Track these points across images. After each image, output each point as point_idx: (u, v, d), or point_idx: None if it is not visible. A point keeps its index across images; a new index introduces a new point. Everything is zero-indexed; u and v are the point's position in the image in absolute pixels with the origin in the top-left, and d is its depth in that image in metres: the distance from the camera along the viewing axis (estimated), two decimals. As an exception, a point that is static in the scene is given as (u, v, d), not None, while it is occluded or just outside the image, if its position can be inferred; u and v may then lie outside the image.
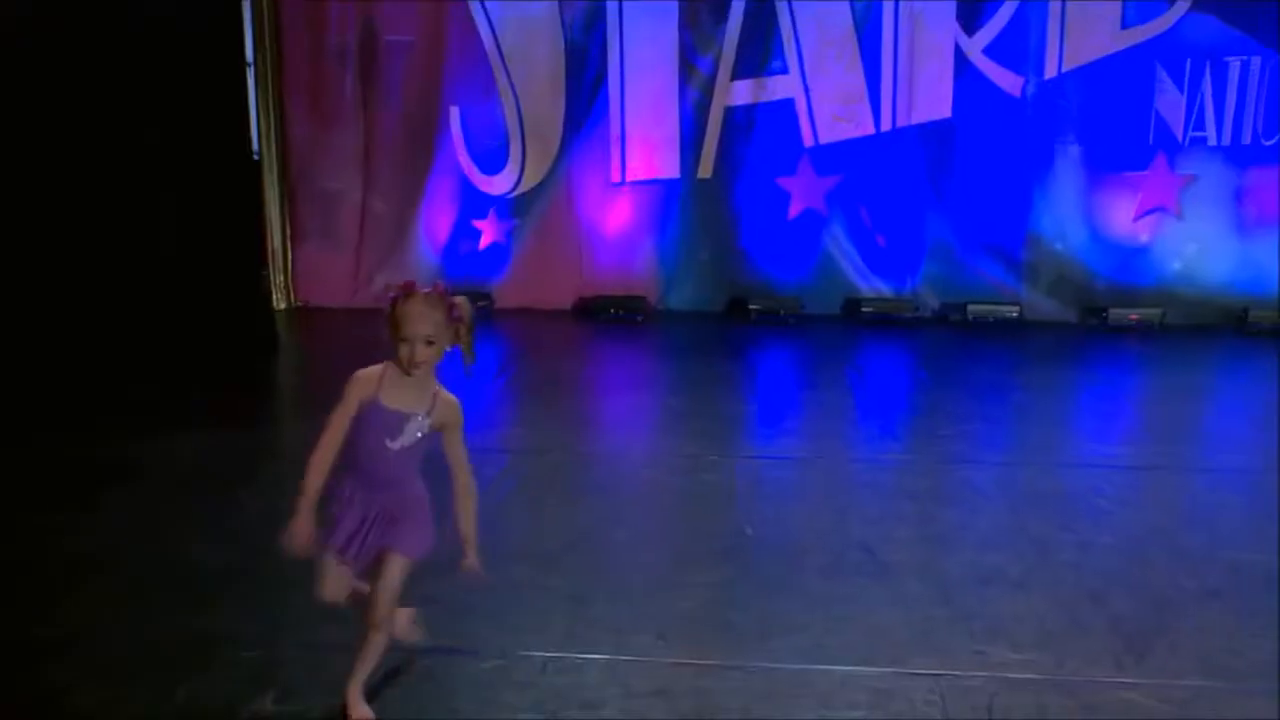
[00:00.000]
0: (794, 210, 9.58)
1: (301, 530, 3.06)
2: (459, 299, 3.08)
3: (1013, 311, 9.38)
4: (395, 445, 3.04)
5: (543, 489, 5.25)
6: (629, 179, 9.68)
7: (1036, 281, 9.48)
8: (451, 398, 3.13)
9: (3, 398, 6.45)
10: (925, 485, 5.26)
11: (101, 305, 7.15)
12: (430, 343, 2.99)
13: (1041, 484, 5.31)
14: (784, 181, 9.53)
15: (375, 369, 3.07)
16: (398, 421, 3.03)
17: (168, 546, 4.49)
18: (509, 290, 9.85)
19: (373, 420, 3.04)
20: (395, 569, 3.12)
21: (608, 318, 9.57)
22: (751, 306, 9.51)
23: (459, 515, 3.18)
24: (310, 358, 8.70)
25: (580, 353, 8.80)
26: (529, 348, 9.05)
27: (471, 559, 3.18)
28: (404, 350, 2.98)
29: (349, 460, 3.10)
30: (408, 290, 3.01)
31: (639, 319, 9.54)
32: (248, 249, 8.71)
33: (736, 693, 3.38)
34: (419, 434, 3.06)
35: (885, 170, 9.42)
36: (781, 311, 9.49)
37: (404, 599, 3.26)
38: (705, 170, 9.58)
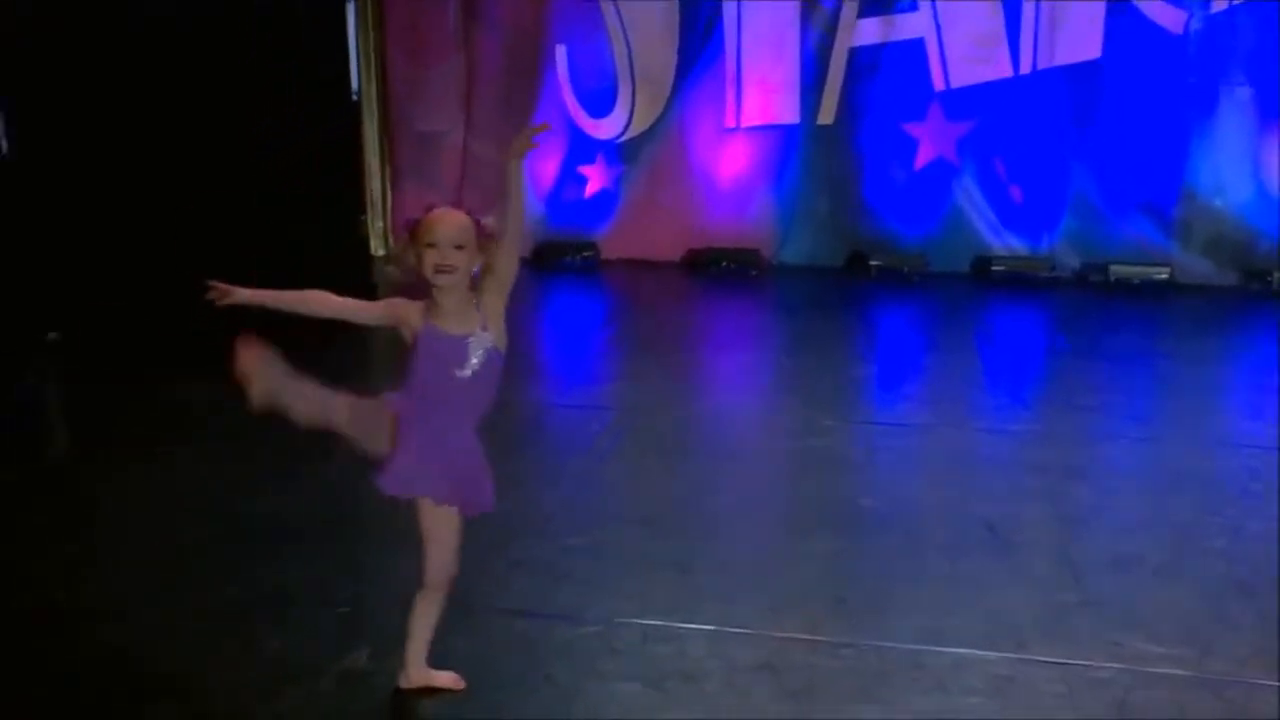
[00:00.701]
0: (922, 159, 9.34)
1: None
2: (488, 219, 2.97)
3: (1161, 273, 9.02)
4: (465, 372, 2.94)
5: (647, 449, 5.25)
6: (744, 124, 9.56)
7: (1190, 241, 9.08)
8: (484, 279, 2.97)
9: (102, 339, 6.72)
10: (1056, 460, 5.09)
11: (201, 251, 7.34)
12: (459, 247, 2.87)
13: (1187, 464, 5.10)
14: (912, 128, 9.29)
15: (412, 303, 2.97)
16: (462, 347, 2.93)
17: (256, 496, 4.62)
18: (615, 240, 9.85)
19: (433, 350, 2.93)
20: (450, 529, 3.05)
21: (719, 271, 9.51)
22: (872, 262, 9.34)
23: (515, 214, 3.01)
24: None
25: (689, 307, 8.77)
26: (635, 301, 9.06)
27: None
28: (432, 256, 2.86)
29: (414, 397, 3.00)
30: (429, 207, 2.95)
31: (752, 273, 9.46)
32: (347, 194, 8.88)
33: (848, 672, 3.34)
34: (484, 352, 2.94)
35: (1024, 116, 9.10)
36: (905, 269, 9.30)
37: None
38: (826, 115, 9.40)
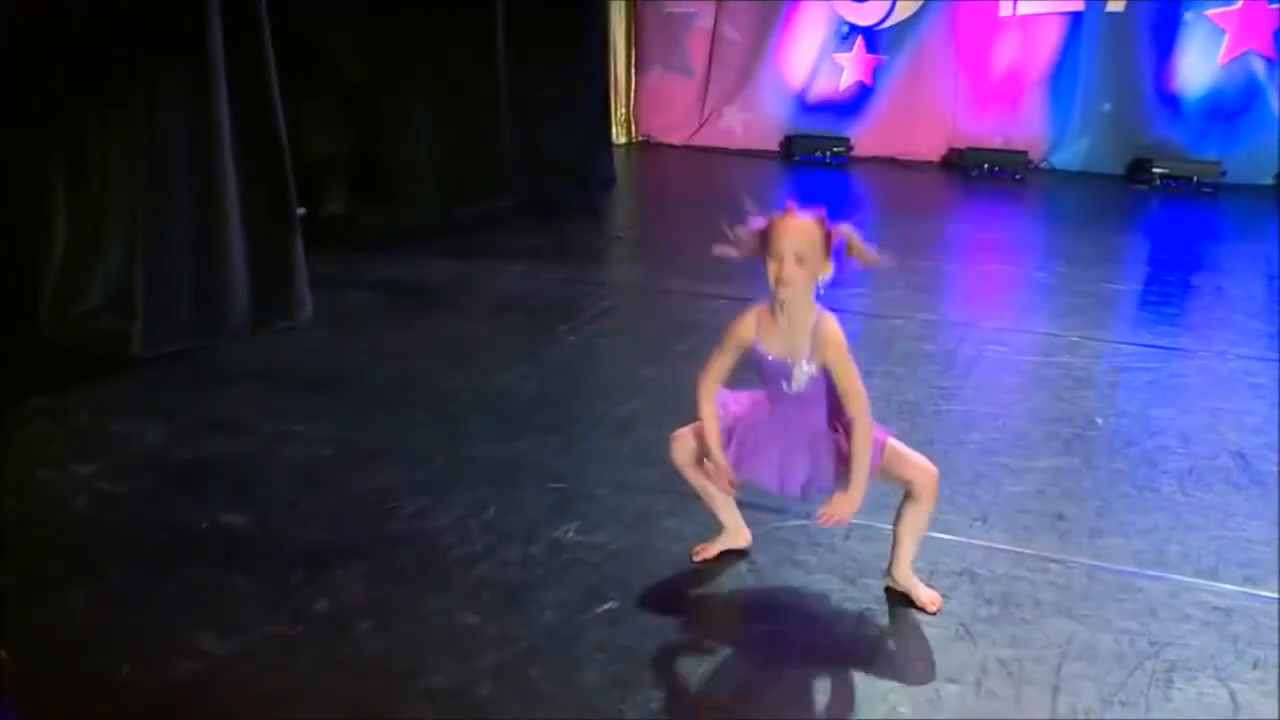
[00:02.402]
0: (1229, 53, 8.90)
1: (720, 467, 3.32)
2: (842, 225, 3.12)
3: None
4: (791, 390, 3.21)
5: (880, 353, 5.45)
6: (1021, 10, 9.35)
7: None
8: (834, 331, 3.14)
9: (348, 216, 7.43)
10: (1334, 394, 4.99)
11: (445, 126, 7.90)
12: (800, 260, 3.03)
13: None
14: (1218, 16, 8.84)
15: (751, 313, 3.24)
16: (783, 368, 3.19)
17: (484, 374, 5.14)
18: (871, 136, 9.94)
19: (762, 366, 3.24)
20: (891, 452, 3.26)
21: (980, 174, 9.43)
22: (1156, 170, 9.05)
23: (851, 455, 3.19)
24: (646, 197, 9.24)
25: (944, 211, 8.80)
26: (888, 201, 9.16)
27: (841, 509, 3.20)
28: (773, 268, 3.05)
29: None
30: (786, 212, 3.12)
31: (1016, 177, 9.36)
32: (592, 78, 9.25)
33: (1050, 587, 3.50)
34: (808, 379, 3.17)
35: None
36: (1195, 178, 8.98)
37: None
38: (1117, 2, 9.07)
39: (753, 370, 3.30)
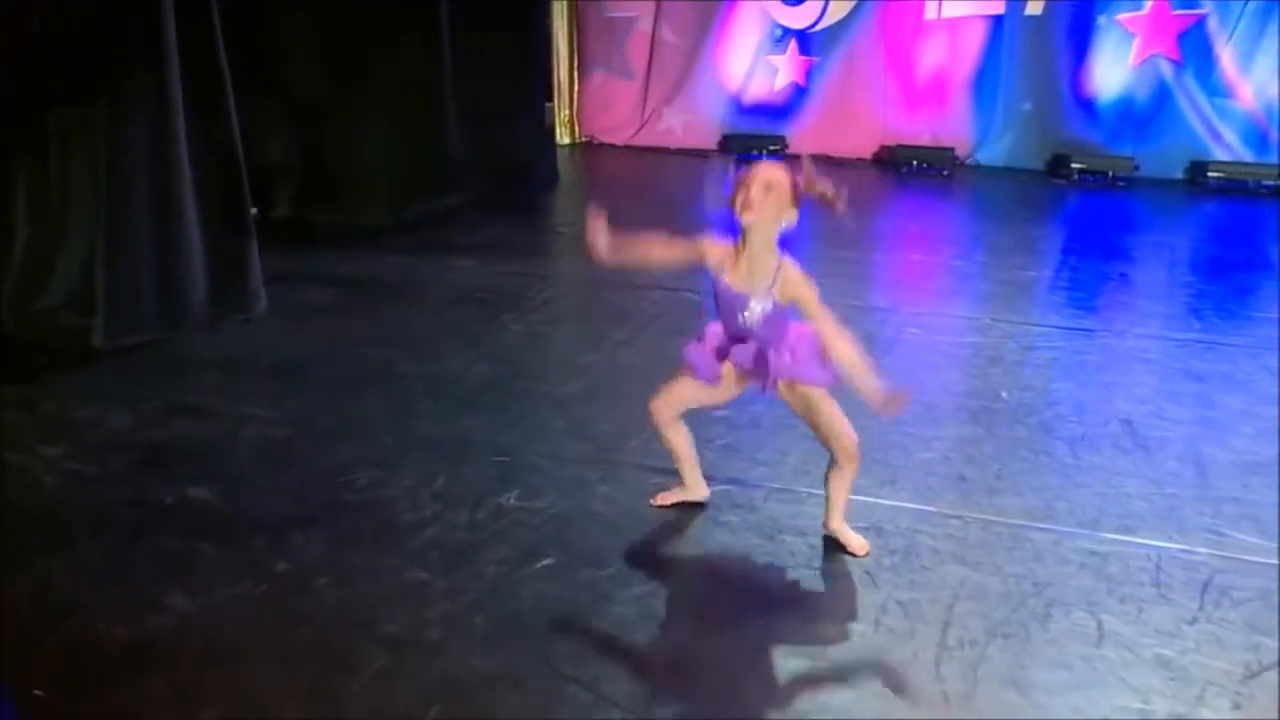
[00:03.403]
0: (1138, 55, 9.35)
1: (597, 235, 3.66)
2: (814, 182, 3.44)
3: None
4: (746, 322, 3.52)
5: (800, 338, 5.80)
6: (945, 14, 9.74)
7: None
8: (796, 272, 3.44)
9: (302, 215, 7.67)
10: (1216, 369, 5.38)
11: (392, 129, 8.14)
12: (767, 189, 3.32)
13: (1365, 379, 5.29)
14: (1128, 20, 9.30)
15: (718, 245, 3.51)
16: (741, 300, 3.49)
17: (437, 359, 5.42)
18: (805, 135, 10.26)
19: (722, 295, 3.54)
20: (827, 404, 3.59)
21: (910, 171, 9.80)
22: (1075, 165, 9.47)
23: (844, 366, 3.47)
24: (589, 195, 9.53)
25: (873, 205, 9.13)
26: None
27: (884, 399, 3.45)
28: (740, 196, 3.33)
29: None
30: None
31: (944, 173, 9.73)
32: (536, 81, 9.52)
33: (948, 539, 3.85)
34: (763, 313, 3.48)
35: (1261, 7, 8.96)
36: (1111, 173, 9.40)
37: (643, 427, 3.92)
38: (1035, 5, 9.49)
39: (712, 301, 3.59)
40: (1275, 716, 2.99)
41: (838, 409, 3.65)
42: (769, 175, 3.39)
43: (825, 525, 3.80)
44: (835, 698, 3.06)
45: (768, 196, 3.36)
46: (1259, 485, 4.25)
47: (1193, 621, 3.40)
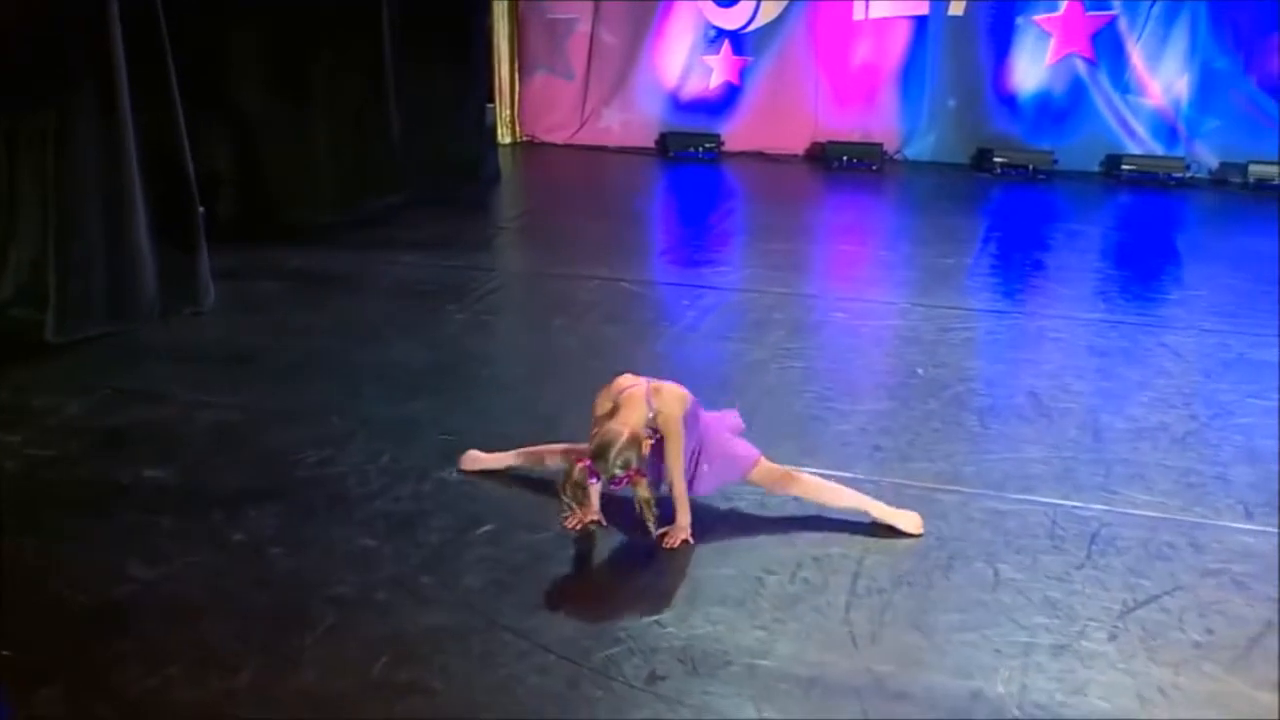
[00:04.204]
0: (1055, 54, 9.72)
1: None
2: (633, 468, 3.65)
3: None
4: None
5: (736, 321, 6.09)
6: (872, 15, 10.05)
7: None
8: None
9: (252, 214, 7.82)
10: (1119, 345, 5.73)
11: (338, 130, 8.32)
12: (629, 467, 3.59)
13: (1255, 354, 5.64)
14: (1044, 20, 9.67)
15: (604, 397, 3.76)
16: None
17: (384, 347, 5.63)
18: (740, 132, 10.54)
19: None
20: (798, 487, 3.97)
21: (840, 166, 10.10)
22: (997, 159, 9.80)
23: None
24: (530, 192, 9.78)
25: (806, 200, 9.46)
26: (756, 192, 9.81)
27: (675, 535, 3.79)
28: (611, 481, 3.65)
29: None
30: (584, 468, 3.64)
31: (874, 168, 10.04)
32: (478, 82, 9.70)
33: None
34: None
35: (1167, 9, 9.36)
36: (1031, 166, 9.75)
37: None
38: (957, 7, 9.84)
39: None
40: (1147, 647, 3.29)
41: (812, 483, 3.99)
42: (622, 460, 3.59)
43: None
44: (750, 638, 3.32)
45: (633, 467, 3.62)
46: (1147, 448, 4.58)
47: (1080, 567, 3.71)
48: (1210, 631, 3.37)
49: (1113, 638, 3.34)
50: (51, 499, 4.14)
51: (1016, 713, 3.02)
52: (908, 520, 3.94)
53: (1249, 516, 4.05)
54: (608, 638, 3.33)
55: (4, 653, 3.21)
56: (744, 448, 3.97)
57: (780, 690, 3.11)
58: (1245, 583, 3.62)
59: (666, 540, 3.80)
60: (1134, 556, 3.77)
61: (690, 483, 3.84)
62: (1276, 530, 3.94)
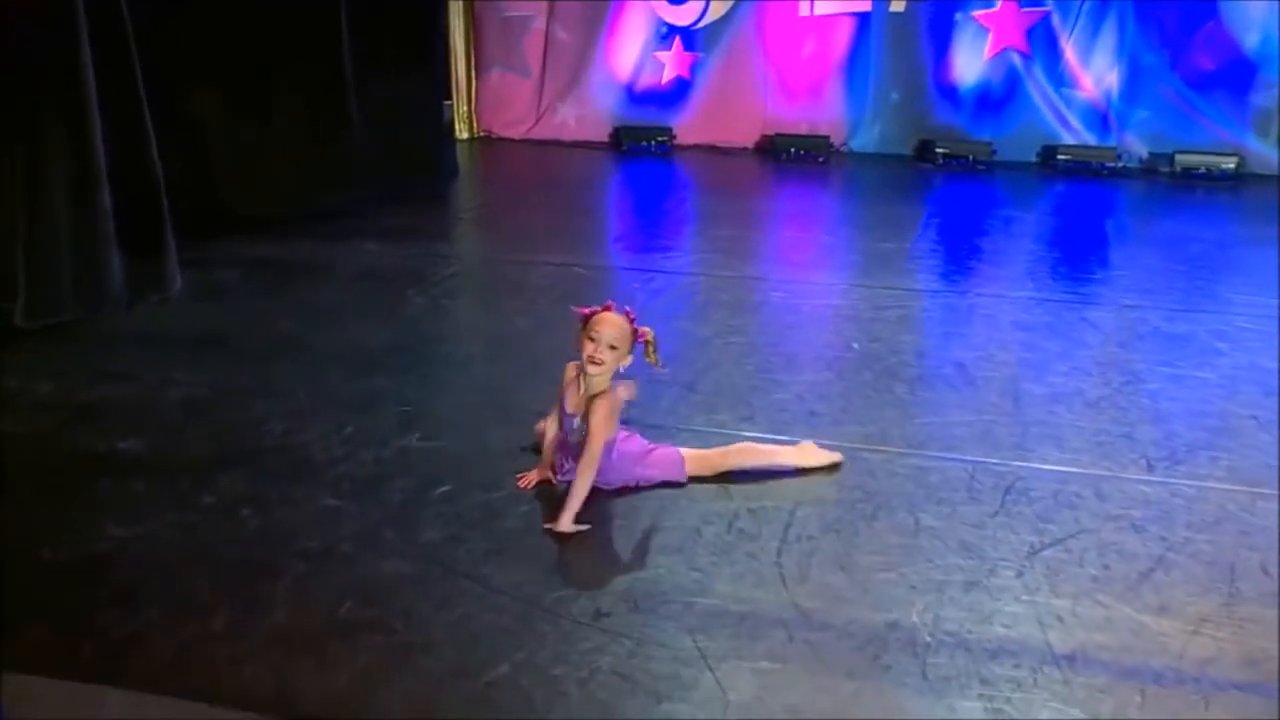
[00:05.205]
0: (992, 49, 10.09)
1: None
2: (645, 328, 4.01)
3: (1229, 163, 9.66)
4: (572, 438, 4.06)
5: (682, 302, 6.38)
6: (817, 11, 10.38)
7: (1265, 131, 9.69)
8: (602, 403, 3.91)
9: (213, 206, 8.01)
10: (1043, 321, 6.06)
11: (299, 126, 8.52)
12: (613, 348, 3.87)
13: (1168, 328, 5.99)
14: (982, 16, 10.04)
15: (573, 366, 4.03)
16: (570, 420, 4.07)
17: (345, 329, 5.86)
18: (692, 126, 10.85)
19: (561, 412, 4.11)
20: (735, 457, 4.24)
21: (789, 158, 10.42)
22: (939, 150, 10.16)
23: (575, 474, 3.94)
24: (488, 185, 10.03)
25: (756, 190, 9.77)
26: (707, 183, 10.11)
27: (562, 522, 3.85)
28: (588, 348, 3.88)
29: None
30: (606, 307, 3.99)
31: (821, 160, 10.37)
32: (435, 79, 9.91)
33: (792, 461, 4.43)
34: (580, 434, 4.00)
35: (1096, 6, 9.75)
36: (971, 157, 10.11)
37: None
38: (898, 3, 10.19)
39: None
40: (1049, 582, 3.59)
41: (735, 450, 4.27)
42: (614, 335, 3.91)
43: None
44: (688, 580, 3.59)
45: (611, 355, 3.92)
46: (1062, 411, 4.90)
47: (994, 515, 4.01)
48: (1107, 567, 3.68)
49: (1019, 575, 3.64)
50: (29, 468, 4.34)
51: (929, 639, 3.31)
52: (827, 456, 4.29)
53: (1150, 470, 4.37)
54: (556, 583, 3.59)
55: (-6, 600, 3.44)
56: (668, 448, 4.24)
57: (714, 623, 3.39)
58: (1143, 526, 3.94)
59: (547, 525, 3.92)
60: (1043, 505, 4.08)
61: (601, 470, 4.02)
62: (1174, 481, 4.27)
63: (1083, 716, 2.99)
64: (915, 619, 3.41)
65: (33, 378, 5.19)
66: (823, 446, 4.42)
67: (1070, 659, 3.22)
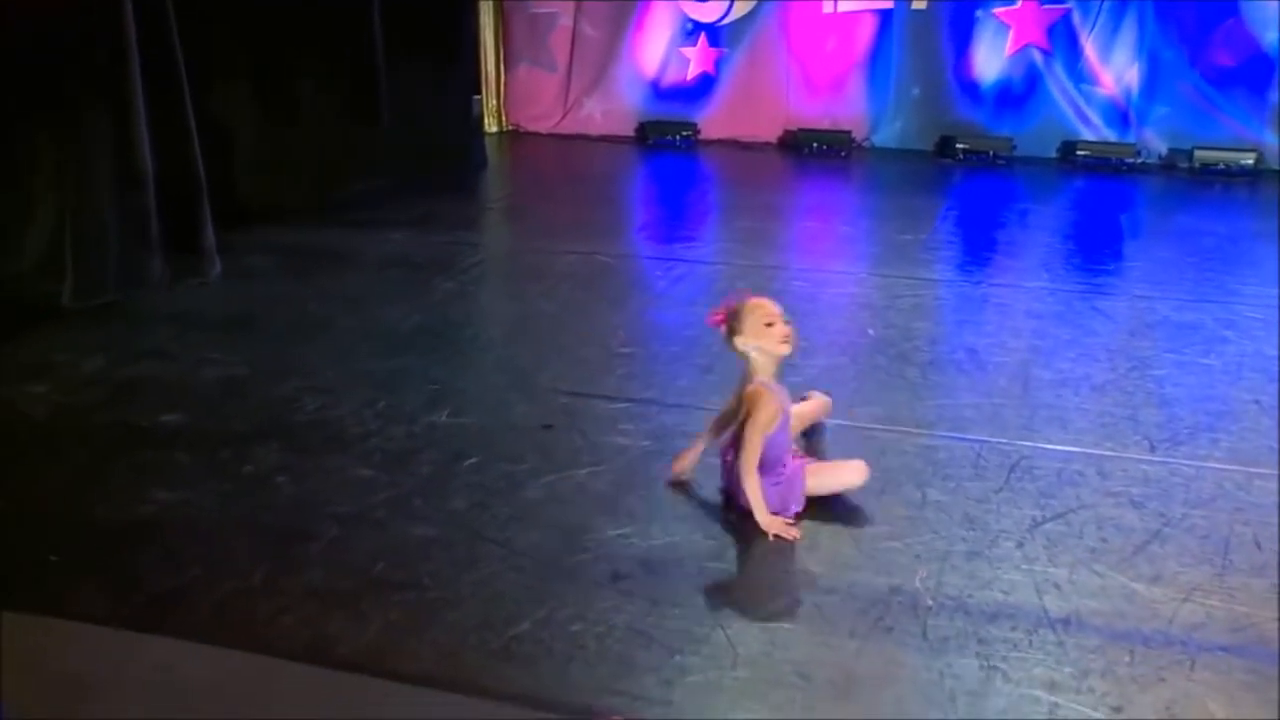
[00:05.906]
0: (1013, 45, 10.20)
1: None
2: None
3: (1247, 158, 9.73)
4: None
5: (699, 290, 6.53)
6: (841, 9, 10.52)
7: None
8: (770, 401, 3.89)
9: (250, 196, 8.23)
10: (1054, 310, 6.19)
11: (332, 120, 8.73)
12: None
13: (1177, 317, 6.11)
14: (1003, 13, 10.15)
15: (768, 392, 3.92)
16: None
17: (372, 313, 6.06)
18: (715, 121, 11.01)
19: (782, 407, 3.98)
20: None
21: (811, 153, 10.56)
22: (959, 146, 10.27)
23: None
24: (515, 177, 10.22)
25: (774, 183, 9.92)
26: (730, 177, 10.27)
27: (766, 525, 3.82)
28: (780, 328, 3.94)
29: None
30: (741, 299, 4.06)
31: (842, 154, 10.50)
32: (466, 73, 10.13)
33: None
34: None
35: (1116, 3, 9.85)
36: (991, 152, 10.22)
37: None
38: (920, 1, 10.29)
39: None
40: (1048, 552, 3.74)
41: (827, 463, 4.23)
42: (780, 309, 4.00)
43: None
44: (703, 547, 3.76)
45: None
46: (1069, 395, 5.04)
47: (998, 491, 4.16)
48: (1104, 540, 3.82)
49: (1020, 545, 3.78)
50: (77, 438, 4.55)
51: (930, 603, 3.46)
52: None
53: (1152, 450, 4.50)
54: (577, 547, 3.77)
55: (52, 558, 3.64)
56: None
57: (726, 586, 3.56)
58: (1141, 502, 4.08)
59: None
60: (1046, 483, 4.22)
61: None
62: (1174, 460, 4.40)
63: (1073, 672, 3.14)
64: (918, 584, 3.56)
65: (80, 355, 5.41)
66: (833, 424, 4.58)
67: (1065, 622, 3.37)
